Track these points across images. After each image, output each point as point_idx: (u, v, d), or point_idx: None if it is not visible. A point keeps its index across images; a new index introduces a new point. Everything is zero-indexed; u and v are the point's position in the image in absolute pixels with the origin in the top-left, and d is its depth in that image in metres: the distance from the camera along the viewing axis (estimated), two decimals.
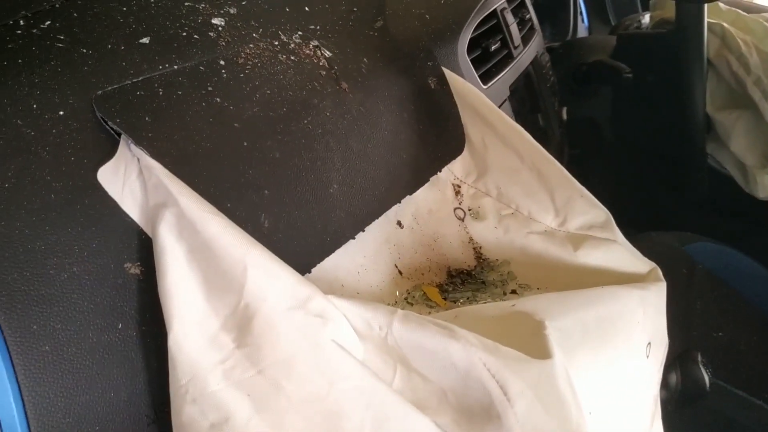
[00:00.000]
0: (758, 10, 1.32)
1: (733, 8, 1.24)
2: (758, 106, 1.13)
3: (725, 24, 1.17)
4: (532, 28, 1.07)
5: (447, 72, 0.69)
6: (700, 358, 0.93)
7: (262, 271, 0.39)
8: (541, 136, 1.05)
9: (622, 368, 0.53)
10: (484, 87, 0.79)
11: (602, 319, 0.50)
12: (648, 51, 1.20)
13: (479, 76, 0.80)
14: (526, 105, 0.98)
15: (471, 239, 0.66)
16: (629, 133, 1.34)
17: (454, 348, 0.38)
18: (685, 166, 1.20)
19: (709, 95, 1.21)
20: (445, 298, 0.58)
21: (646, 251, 1.22)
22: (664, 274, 1.17)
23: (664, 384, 0.91)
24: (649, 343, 0.59)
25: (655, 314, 0.60)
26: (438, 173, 0.65)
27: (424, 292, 0.57)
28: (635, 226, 1.34)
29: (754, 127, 1.18)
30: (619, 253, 0.65)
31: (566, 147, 1.14)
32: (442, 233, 0.64)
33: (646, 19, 1.34)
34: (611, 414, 0.51)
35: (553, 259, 0.64)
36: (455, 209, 0.67)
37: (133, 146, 0.42)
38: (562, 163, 1.09)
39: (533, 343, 0.41)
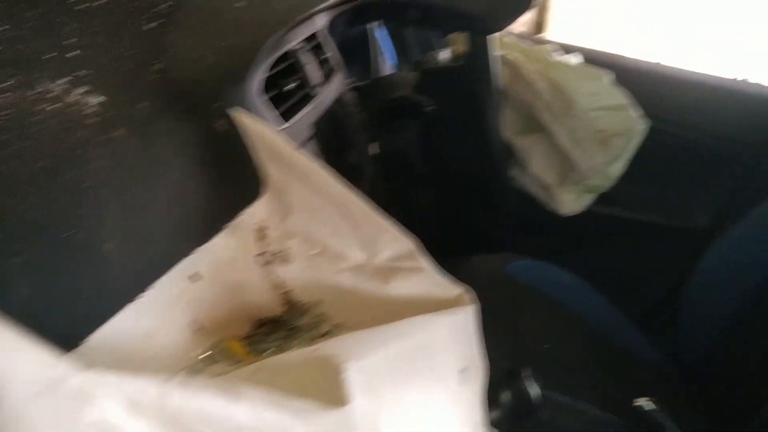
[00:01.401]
0: (541, 41, 1.45)
1: (520, 41, 1.35)
2: (550, 129, 1.23)
3: (514, 55, 1.27)
4: (333, 67, 1.08)
5: (238, 114, 0.66)
6: (526, 374, 0.95)
7: (3, 352, 0.33)
8: (352, 172, 1.05)
9: (437, 399, 0.52)
10: (282, 127, 0.78)
11: (409, 351, 0.49)
12: (447, 84, 1.26)
13: (279, 116, 0.79)
14: (334, 143, 0.98)
15: (279, 284, 0.63)
16: (440, 163, 1.40)
17: (238, 410, 0.34)
18: (491, 190, 1.27)
19: (507, 122, 1.30)
20: (251, 351, 0.54)
21: (471, 274, 1.26)
22: (489, 295, 1.21)
23: (496, 403, 0.93)
24: (463, 369, 0.59)
25: (466, 339, 0.60)
26: (236, 219, 0.62)
27: (227, 348, 0.53)
28: (460, 250, 1.38)
29: (549, 149, 1.27)
30: (427, 280, 0.65)
31: (380, 181, 1.16)
32: (246, 281, 0.60)
33: (446, 53, 1.42)
34: None
35: (365, 294, 0.63)
36: (260, 254, 0.64)
37: None
38: (376, 197, 1.11)
39: (332, 389, 0.39)
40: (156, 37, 0.68)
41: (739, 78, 1.66)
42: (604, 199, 1.67)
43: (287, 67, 0.88)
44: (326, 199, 0.65)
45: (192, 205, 0.57)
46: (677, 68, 1.67)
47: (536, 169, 1.29)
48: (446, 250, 1.54)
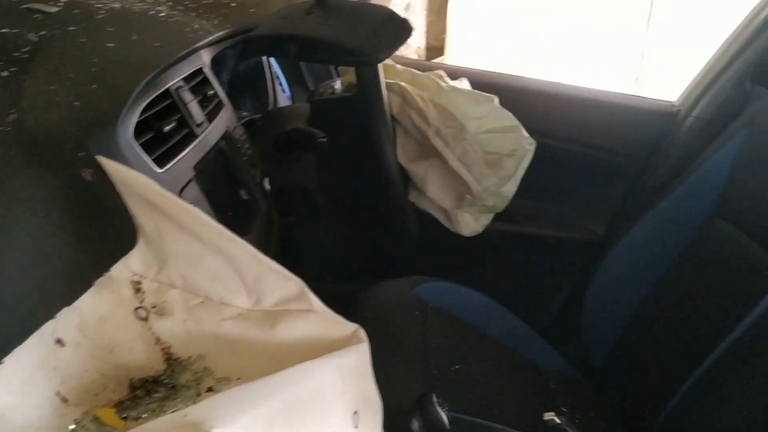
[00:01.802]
0: (430, 67, 1.48)
1: (409, 68, 1.37)
2: (442, 154, 1.25)
3: (403, 83, 1.28)
4: (220, 103, 1.06)
5: (105, 161, 0.62)
6: (435, 399, 0.95)
7: None
8: (245, 210, 1.03)
9: None
10: (160, 171, 0.74)
11: (293, 403, 0.47)
12: (339, 115, 1.26)
13: (156, 159, 0.75)
14: (222, 181, 0.95)
15: (158, 339, 0.59)
16: (338, 193, 1.39)
17: None
18: (391, 217, 1.27)
19: (401, 149, 1.31)
20: (125, 417, 0.50)
21: (381, 300, 1.25)
22: (398, 320, 1.21)
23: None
24: (356, 412, 0.57)
25: (358, 379, 0.59)
26: (107, 274, 0.58)
27: (98, 417, 0.49)
28: (367, 276, 1.38)
29: (443, 173, 1.29)
30: (317, 321, 0.63)
31: (276, 217, 1.14)
32: (120, 340, 0.57)
33: (339, 84, 1.42)
34: None
35: (252, 342, 0.60)
36: (136, 309, 0.60)
37: None
38: (272, 233, 1.08)
39: None
40: (10, 85, 0.64)
41: (626, 91, 1.75)
42: (504, 216, 1.71)
43: (166, 107, 0.85)
44: (205, 246, 0.62)
45: (54, 264, 0.53)
46: (564, 84, 1.74)
47: (433, 193, 1.31)
48: (354, 278, 1.54)
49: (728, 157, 1.18)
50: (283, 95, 1.68)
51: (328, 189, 1.38)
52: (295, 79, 1.75)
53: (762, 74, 1.55)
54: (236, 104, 1.51)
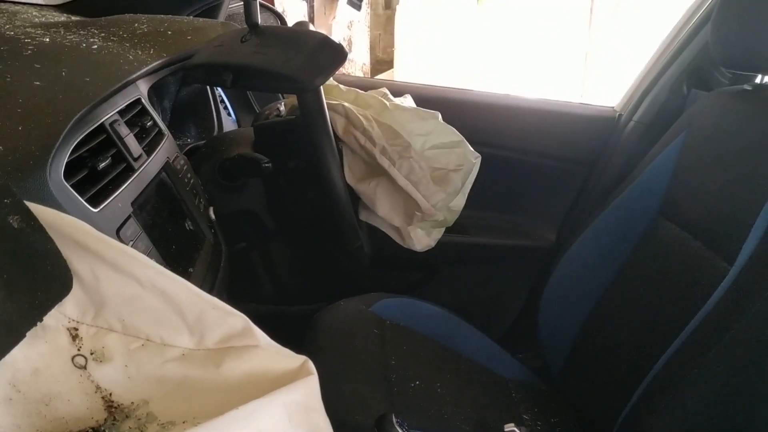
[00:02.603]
0: (374, 85, 1.48)
1: (353, 88, 1.37)
2: (389, 172, 1.25)
3: (346, 103, 1.29)
4: (160, 133, 1.04)
5: (33, 206, 0.60)
6: (395, 419, 0.94)
7: None
8: (191, 241, 1.01)
9: None
10: (95, 210, 0.72)
11: None
12: (284, 138, 1.26)
13: (90, 198, 0.73)
14: (164, 214, 0.93)
15: (98, 387, 0.57)
16: (287, 216, 1.38)
17: None
18: (342, 237, 1.27)
19: (348, 169, 1.31)
20: None
21: (339, 319, 1.24)
22: (358, 338, 1.20)
23: None
24: None
25: (306, 416, 0.58)
26: (40, 323, 0.56)
27: None
28: (327, 297, 1.37)
29: (392, 191, 1.30)
30: (263, 356, 0.62)
31: (223, 246, 1.12)
32: (57, 392, 0.55)
33: (283, 106, 1.41)
34: None
35: (197, 382, 0.59)
36: (74, 357, 0.58)
37: None
38: (219, 264, 1.07)
39: None
40: None
41: (575, 93, 1.79)
42: (457, 228, 1.73)
43: (102, 142, 0.83)
44: (143, 287, 0.61)
45: None
46: (508, 96, 1.77)
47: (383, 212, 1.31)
48: (312, 299, 1.53)
49: (669, 159, 1.22)
50: (228, 120, 1.67)
51: (278, 213, 1.37)
52: (240, 103, 1.74)
53: (697, 78, 1.60)
54: (180, 131, 1.50)
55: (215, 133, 1.53)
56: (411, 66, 4.16)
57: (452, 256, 1.76)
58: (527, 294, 1.85)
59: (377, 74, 4.02)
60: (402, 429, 0.95)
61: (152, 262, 0.61)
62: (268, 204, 1.35)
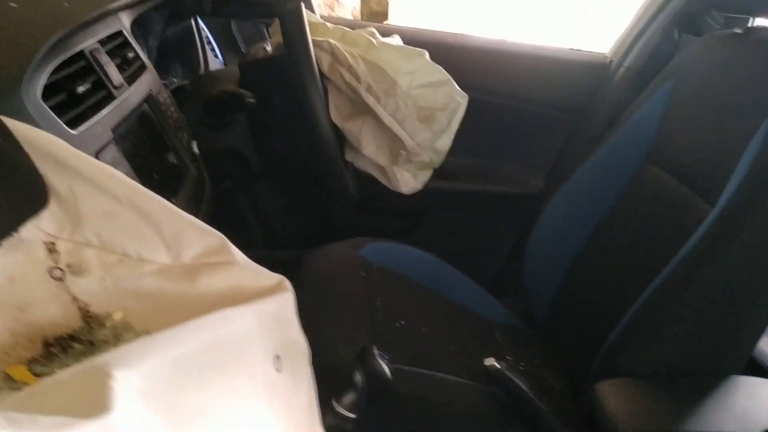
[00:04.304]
0: (361, 25, 1.47)
1: (340, 26, 1.35)
2: (374, 110, 1.24)
3: (332, 40, 1.27)
4: (142, 66, 1.03)
5: (9, 121, 0.60)
6: (376, 351, 0.96)
7: None
8: (174, 173, 1.01)
9: (247, 390, 0.51)
10: (73, 132, 0.73)
11: (205, 348, 0.48)
12: (269, 76, 1.25)
13: (70, 122, 0.73)
14: (146, 145, 0.93)
15: (75, 298, 0.59)
16: (273, 157, 1.38)
17: None
18: (327, 177, 1.27)
19: (334, 108, 1.30)
20: (38, 374, 0.50)
21: (326, 262, 1.26)
22: (345, 280, 1.21)
23: (351, 385, 0.93)
24: (278, 356, 0.58)
25: (279, 325, 0.59)
26: (15, 234, 0.57)
27: (8, 375, 0.48)
28: (314, 240, 1.38)
29: (377, 130, 1.29)
30: (239, 273, 0.63)
31: (207, 181, 1.12)
32: (33, 299, 0.56)
33: (269, 45, 1.39)
34: None
35: (172, 296, 0.60)
36: (51, 269, 0.59)
37: None
38: (202, 197, 1.07)
39: (95, 400, 0.36)
40: None
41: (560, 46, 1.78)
42: (445, 174, 1.73)
43: (82, 70, 0.83)
44: (121, 203, 0.61)
45: None
46: (498, 40, 1.75)
47: (368, 151, 1.31)
48: (300, 243, 1.54)
49: (658, 104, 1.22)
50: (215, 60, 1.65)
51: (263, 153, 1.37)
52: (227, 44, 1.72)
53: (689, 23, 1.59)
54: (166, 71, 1.48)
55: (201, 72, 1.52)
56: (406, 19, 4.10)
57: (440, 202, 1.77)
58: (515, 240, 1.87)
59: (374, 20, 3.97)
60: (383, 361, 0.96)
61: (130, 180, 0.62)
62: (254, 143, 1.35)
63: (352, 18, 2.65)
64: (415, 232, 1.82)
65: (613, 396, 0.91)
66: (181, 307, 0.60)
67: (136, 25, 1.37)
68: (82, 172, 0.61)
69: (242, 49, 1.72)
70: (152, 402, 0.40)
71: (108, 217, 0.62)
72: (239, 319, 0.53)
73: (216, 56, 1.67)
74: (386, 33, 1.46)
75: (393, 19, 3.98)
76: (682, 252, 0.92)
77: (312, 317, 1.08)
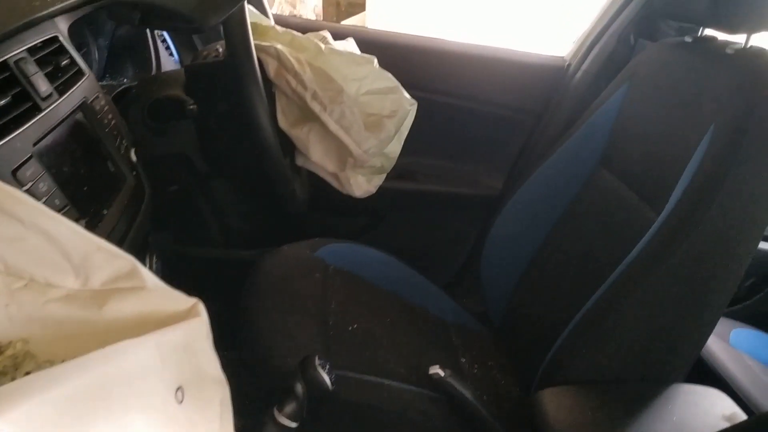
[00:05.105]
0: (317, 28, 1.45)
1: (289, 30, 1.34)
2: (320, 118, 1.24)
3: (279, 46, 1.26)
4: (79, 72, 1.01)
5: None
6: (317, 361, 0.96)
7: None
8: (109, 183, 1.00)
9: (141, 426, 0.51)
10: None
11: (94, 385, 0.47)
12: (213, 80, 1.23)
13: None
14: (76, 155, 0.92)
15: None
16: (220, 161, 1.37)
17: None
18: (273, 183, 1.26)
19: (281, 113, 1.29)
20: None
21: (282, 263, 1.25)
22: (300, 281, 1.21)
23: (292, 394, 0.93)
24: (179, 388, 0.57)
25: (184, 355, 0.59)
26: None
27: None
28: (272, 240, 1.37)
29: (325, 136, 1.29)
30: (150, 298, 0.62)
31: (147, 189, 1.11)
32: None
33: (221, 46, 1.37)
34: None
35: (78, 323, 0.59)
36: None
37: None
38: (140, 206, 1.06)
39: None
40: None
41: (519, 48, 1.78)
42: (405, 174, 1.73)
43: (3, 81, 0.81)
44: (26, 227, 0.60)
45: None
46: (458, 42, 1.75)
47: (316, 157, 1.30)
48: (257, 243, 1.53)
49: (612, 109, 1.22)
50: (170, 60, 1.63)
51: (209, 156, 1.35)
52: (184, 43, 1.69)
53: (645, 28, 1.60)
54: (118, 71, 1.46)
55: (153, 73, 1.49)
56: (384, 8, 4.07)
57: (400, 202, 1.77)
58: (474, 241, 1.87)
59: (348, 17, 3.92)
60: (323, 370, 0.96)
61: (35, 202, 0.61)
62: (201, 147, 1.33)
63: (314, 16, 2.62)
64: (375, 232, 1.82)
65: (553, 404, 0.92)
66: (87, 335, 0.59)
67: (85, 23, 1.35)
68: None
69: (198, 48, 1.69)
70: None
71: (14, 242, 0.60)
72: (137, 352, 0.52)
73: (171, 55, 1.65)
74: (341, 35, 1.45)
75: (371, 9, 3.95)
76: (626, 260, 0.93)
77: (263, 321, 1.08)
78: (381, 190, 1.48)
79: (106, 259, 0.62)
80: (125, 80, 1.41)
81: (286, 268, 1.25)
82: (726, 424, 0.87)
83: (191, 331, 0.61)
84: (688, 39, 1.16)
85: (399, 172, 1.57)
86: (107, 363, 0.50)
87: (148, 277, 0.64)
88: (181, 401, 0.56)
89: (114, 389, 0.49)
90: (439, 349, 1.24)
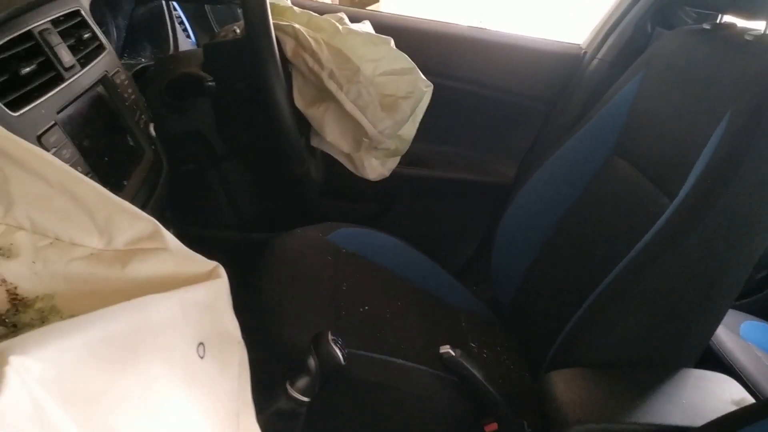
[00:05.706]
0: (334, 10, 1.46)
1: (307, 11, 1.35)
2: (336, 97, 1.24)
3: (296, 25, 1.26)
4: (100, 47, 1.02)
5: None
6: (330, 337, 0.97)
7: None
8: (129, 156, 1.01)
9: (167, 379, 0.52)
10: (14, 115, 0.72)
11: (118, 334, 0.48)
12: (231, 59, 1.24)
13: (11, 103, 0.73)
14: (98, 127, 0.93)
15: (3, 281, 0.59)
16: (236, 140, 1.38)
17: None
18: (289, 162, 1.27)
19: (298, 93, 1.30)
20: None
21: (294, 245, 1.26)
22: (312, 264, 1.22)
23: (305, 369, 0.95)
24: (201, 343, 0.59)
25: (206, 314, 0.60)
26: None
27: None
28: (285, 223, 1.38)
29: (340, 116, 1.29)
30: (171, 260, 0.64)
31: (165, 164, 1.12)
32: None
33: (238, 27, 1.38)
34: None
35: (102, 281, 0.61)
36: None
37: None
38: (158, 180, 1.07)
39: None
40: None
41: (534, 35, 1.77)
42: (418, 161, 1.73)
43: (31, 50, 0.82)
44: (53, 186, 0.62)
45: None
46: (474, 28, 1.75)
47: (331, 137, 1.31)
48: (271, 226, 1.54)
49: (628, 97, 1.22)
50: (187, 41, 1.64)
51: (226, 135, 1.36)
52: (200, 24, 1.71)
53: (662, 16, 1.59)
54: (135, 51, 1.47)
55: (171, 53, 1.51)
56: (399, 3, 4.06)
57: (412, 188, 1.78)
58: (484, 229, 1.88)
59: (363, 9, 3.92)
60: (336, 346, 0.97)
61: (62, 164, 0.62)
62: (217, 126, 1.34)
63: (329, 1, 2.63)
64: (387, 218, 1.83)
65: (562, 386, 0.92)
66: (110, 293, 0.60)
67: (105, 3, 1.36)
68: (13, 155, 0.61)
69: (215, 29, 1.70)
70: (54, 388, 0.41)
71: (39, 201, 0.62)
72: (160, 306, 0.53)
73: (189, 36, 1.66)
74: (358, 18, 1.45)
75: (385, 3, 3.94)
76: (638, 245, 0.94)
77: (276, 301, 1.09)
78: (394, 175, 1.49)
79: (129, 220, 0.64)
80: (143, 60, 1.43)
81: (299, 250, 1.26)
82: (735, 408, 0.88)
83: (212, 291, 0.62)
84: (706, 26, 1.16)
85: (412, 158, 1.58)
86: (132, 314, 0.51)
87: (170, 239, 0.65)
88: (203, 356, 0.58)
89: (138, 339, 0.50)
90: (449, 334, 1.25)
